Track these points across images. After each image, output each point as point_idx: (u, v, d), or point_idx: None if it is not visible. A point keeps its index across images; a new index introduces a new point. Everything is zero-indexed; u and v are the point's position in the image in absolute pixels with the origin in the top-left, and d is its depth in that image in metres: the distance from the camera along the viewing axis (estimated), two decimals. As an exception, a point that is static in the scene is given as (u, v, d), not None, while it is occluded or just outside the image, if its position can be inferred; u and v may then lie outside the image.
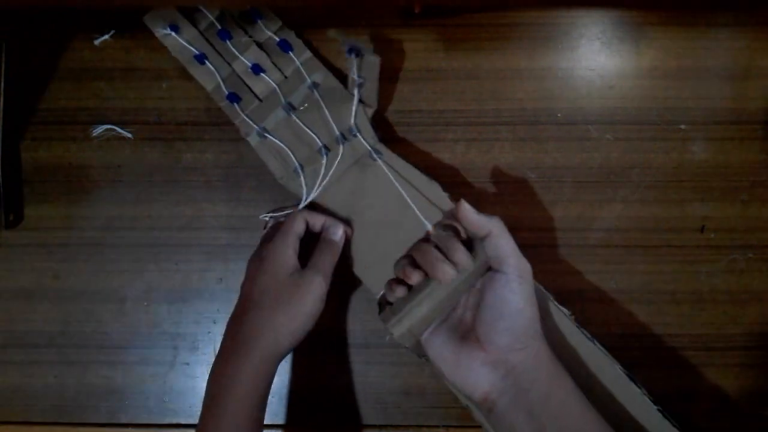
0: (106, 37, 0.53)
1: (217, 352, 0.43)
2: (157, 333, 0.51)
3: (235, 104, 0.50)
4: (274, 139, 0.49)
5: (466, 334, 0.41)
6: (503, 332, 0.39)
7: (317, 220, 0.48)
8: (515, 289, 0.40)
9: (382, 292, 0.44)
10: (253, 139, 0.50)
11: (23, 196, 0.52)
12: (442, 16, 0.52)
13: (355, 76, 0.47)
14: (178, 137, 0.52)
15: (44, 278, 0.51)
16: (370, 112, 0.50)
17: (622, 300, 0.50)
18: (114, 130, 0.52)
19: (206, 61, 0.50)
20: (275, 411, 0.50)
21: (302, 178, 0.49)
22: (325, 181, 0.49)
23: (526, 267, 0.41)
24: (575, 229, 0.51)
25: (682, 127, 0.51)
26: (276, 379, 0.50)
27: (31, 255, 0.52)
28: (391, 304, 0.43)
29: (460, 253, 0.40)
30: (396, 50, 0.52)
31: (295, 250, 0.46)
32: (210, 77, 0.50)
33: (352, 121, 0.49)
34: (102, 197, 0.52)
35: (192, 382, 0.50)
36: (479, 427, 0.44)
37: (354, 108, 0.48)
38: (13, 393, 0.50)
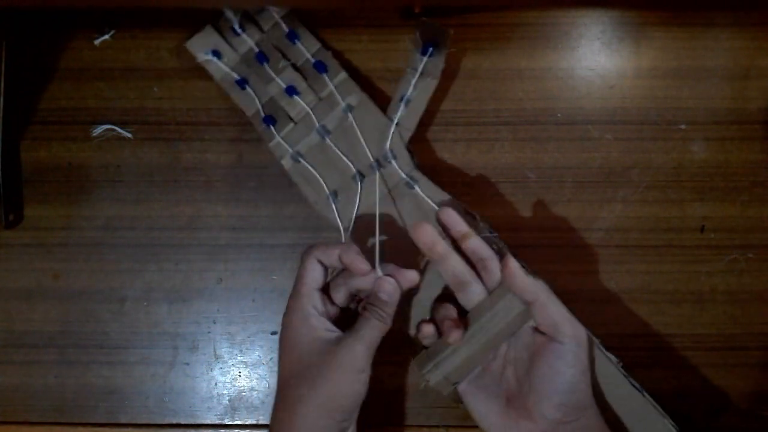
0: (106, 37, 0.53)
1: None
2: (157, 333, 0.51)
3: (271, 126, 0.49)
4: (306, 165, 0.48)
5: (513, 398, 0.40)
6: (557, 407, 0.37)
7: (351, 259, 0.39)
8: (571, 361, 0.38)
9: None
10: (286, 163, 0.49)
11: (23, 196, 0.52)
12: (442, 16, 0.52)
13: (409, 91, 0.46)
14: (178, 137, 0.52)
15: (44, 278, 0.51)
16: (407, 135, 0.48)
17: (622, 300, 0.50)
18: (114, 130, 0.52)
19: (247, 86, 0.49)
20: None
21: (334, 206, 0.47)
22: (358, 211, 0.47)
23: (581, 334, 0.39)
24: (575, 229, 0.51)
25: (682, 127, 0.51)
26: (272, 381, 0.50)
27: (31, 255, 0.52)
28: (426, 347, 0.42)
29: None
30: (396, 50, 0.52)
31: (317, 308, 0.39)
32: (250, 102, 0.49)
33: (387, 146, 0.47)
34: (102, 197, 0.52)
35: (192, 382, 0.50)
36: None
37: (391, 133, 0.47)
38: (13, 393, 0.50)
